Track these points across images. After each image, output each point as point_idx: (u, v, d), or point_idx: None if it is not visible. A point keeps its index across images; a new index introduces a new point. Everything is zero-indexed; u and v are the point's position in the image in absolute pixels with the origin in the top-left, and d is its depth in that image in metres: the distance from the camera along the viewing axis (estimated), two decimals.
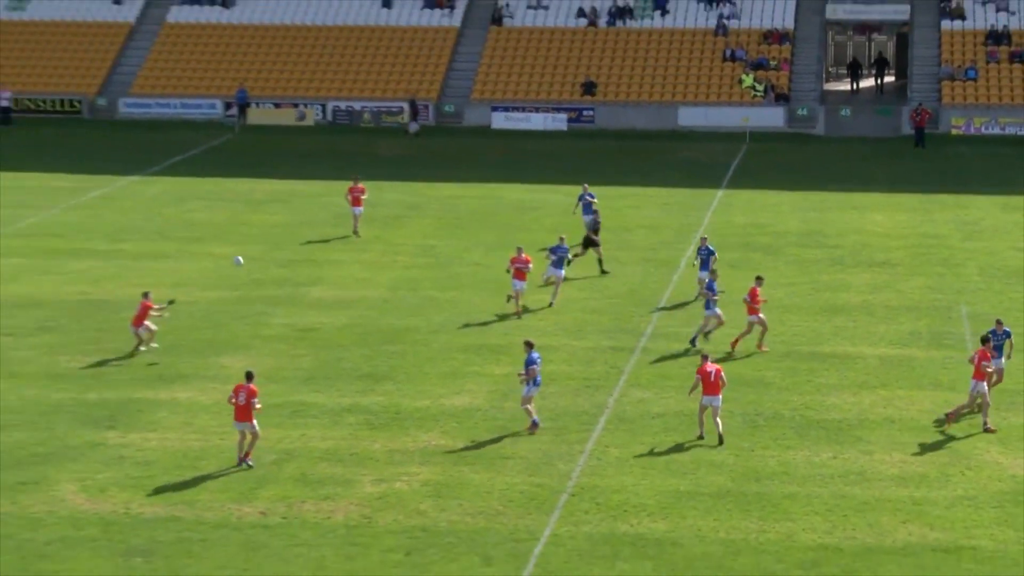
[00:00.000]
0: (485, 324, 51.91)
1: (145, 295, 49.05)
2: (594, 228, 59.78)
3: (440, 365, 47.68)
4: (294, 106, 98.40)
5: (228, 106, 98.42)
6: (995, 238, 66.07)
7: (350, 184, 66.11)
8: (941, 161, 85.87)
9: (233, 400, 39.14)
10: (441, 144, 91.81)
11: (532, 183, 78.63)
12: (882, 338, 50.89)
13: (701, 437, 41.16)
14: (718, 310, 49.71)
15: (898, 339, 50.73)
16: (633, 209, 71.56)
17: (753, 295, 49.25)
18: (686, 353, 48.40)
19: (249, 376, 39.48)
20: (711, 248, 54.90)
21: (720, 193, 76.12)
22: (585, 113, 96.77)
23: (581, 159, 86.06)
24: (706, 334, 49.79)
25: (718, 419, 41.03)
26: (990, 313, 53.48)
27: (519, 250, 53.44)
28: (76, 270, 59.92)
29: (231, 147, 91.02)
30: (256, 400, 39.01)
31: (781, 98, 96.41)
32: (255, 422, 38.97)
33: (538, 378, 41.49)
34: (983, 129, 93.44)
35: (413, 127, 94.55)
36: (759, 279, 50.45)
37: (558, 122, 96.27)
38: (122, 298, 55.40)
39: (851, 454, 40.36)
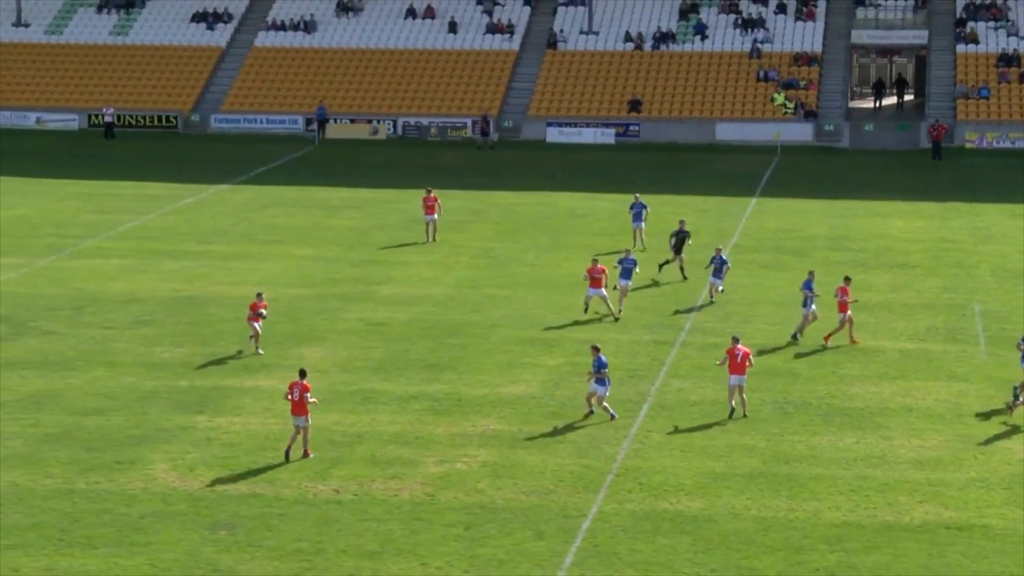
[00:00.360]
0: (540, 320, 51.60)
1: (259, 296, 48.10)
2: (680, 237, 57.78)
3: (498, 356, 47.43)
4: (368, 122, 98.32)
5: (309, 122, 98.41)
6: (1005, 242, 65.41)
7: (423, 195, 65.61)
8: (956, 172, 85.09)
9: (289, 396, 38.40)
10: (500, 156, 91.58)
11: (582, 191, 78.30)
12: (901, 333, 50.37)
13: (732, 412, 41.24)
14: (814, 307, 48.96)
15: (916, 334, 50.21)
16: (674, 215, 70.80)
17: (843, 293, 48.56)
18: (789, 345, 48.66)
19: (302, 373, 38.79)
20: (724, 258, 53.93)
21: (754, 201, 75.61)
22: (631, 128, 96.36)
23: (627, 170, 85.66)
24: (802, 331, 49.15)
25: (744, 396, 41.15)
26: (1001, 311, 53.02)
27: (594, 260, 52.35)
28: (170, 269, 59.95)
29: (311, 159, 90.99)
30: (309, 394, 38.27)
31: (810, 115, 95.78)
32: (309, 416, 38.27)
33: (607, 379, 41.08)
34: (995, 143, 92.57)
35: (492, 137, 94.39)
36: (847, 279, 49.92)
37: (607, 136, 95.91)
38: (212, 295, 55.43)
39: (872, 439, 39.92)
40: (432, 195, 65.07)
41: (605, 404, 41.06)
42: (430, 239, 64.53)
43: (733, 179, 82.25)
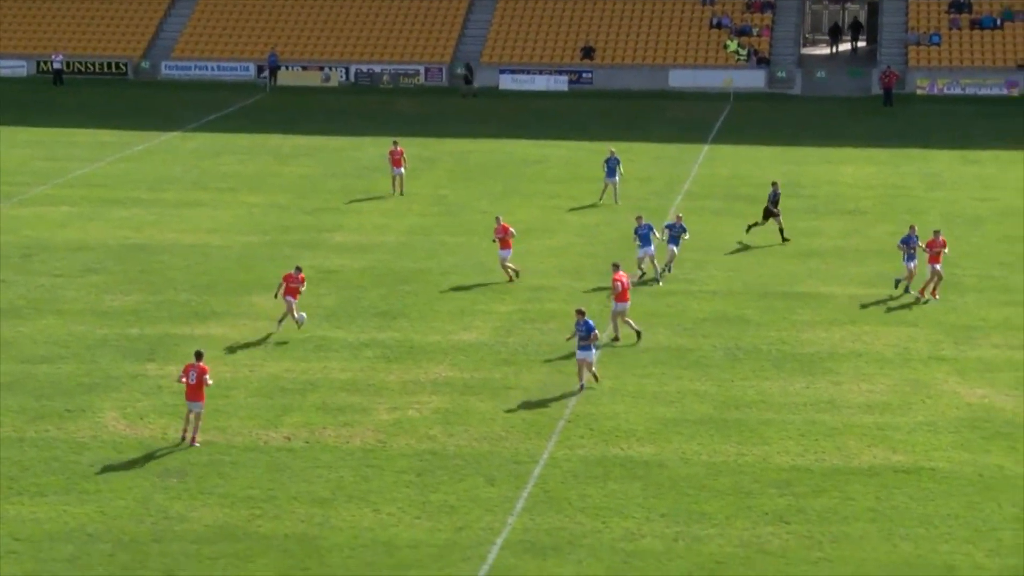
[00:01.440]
0: (492, 267, 51.58)
1: (297, 269, 44.77)
2: (774, 200, 55.39)
3: (450, 304, 47.43)
4: (320, 69, 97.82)
5: (260, 69, 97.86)
6: (955, 188, 65.69)
7: (390, 147, 64.64)
8: (907, 119, 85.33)
9: (183, 379, 35.64)
10: (453, 103, 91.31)
11: (536, 139, 78.19)
12: (852, 279, 50.59)
13: (616, 339, 42.62)
14: (914, 263, 48.14)
15: (867, 280, 50.43)
16: (627, 162, 70.96)
17: (932, 245, 47.96)
18: (917, 302, 47.67)
19: (199, 355, 35.99)
20: (684, 226, 50.96)
21: (706, 148, 75.67)
22: (584, 75, 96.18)
23: (580, 117, 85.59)
24: (909, 285, 48.39)
25: (628, 319, 43.01)
26: (950, 256, 53.19)
27: (497, 219, 50.63)
28: (120, 217, 59.63)
29: (262, 106, 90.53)
30: (208, 376, 35.68)
31: (762, 62, 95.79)
32: (203, 403, 35.74)
33: (595, 344, 39.58)
34: (945, 89, 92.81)
35: (470, 86, 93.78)
36: (936, 232, 48.80)
37: (560, 83, 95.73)
38: (162, 243, 55.19)
39: (822, 384, 40.14)
40: (399, 148, 64.06)
41: (594, 370, 39.86)
42: (397, 192, 63.58)
43: (686, 126, 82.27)
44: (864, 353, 42.71)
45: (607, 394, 39.25)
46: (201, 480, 33.69)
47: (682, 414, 37.90)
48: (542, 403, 38.66)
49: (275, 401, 38.81)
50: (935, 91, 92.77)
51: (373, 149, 73.89)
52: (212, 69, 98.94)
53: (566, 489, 33.32)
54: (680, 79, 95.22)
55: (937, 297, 47.71)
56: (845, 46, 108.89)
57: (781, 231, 55.42)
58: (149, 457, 34.97)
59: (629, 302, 42.89)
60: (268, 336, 43.92)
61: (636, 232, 50.15)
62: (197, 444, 35.51)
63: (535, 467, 34.56)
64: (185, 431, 35.93)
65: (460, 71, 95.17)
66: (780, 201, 55.63)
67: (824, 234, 56.94)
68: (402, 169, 63.60)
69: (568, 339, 40.39)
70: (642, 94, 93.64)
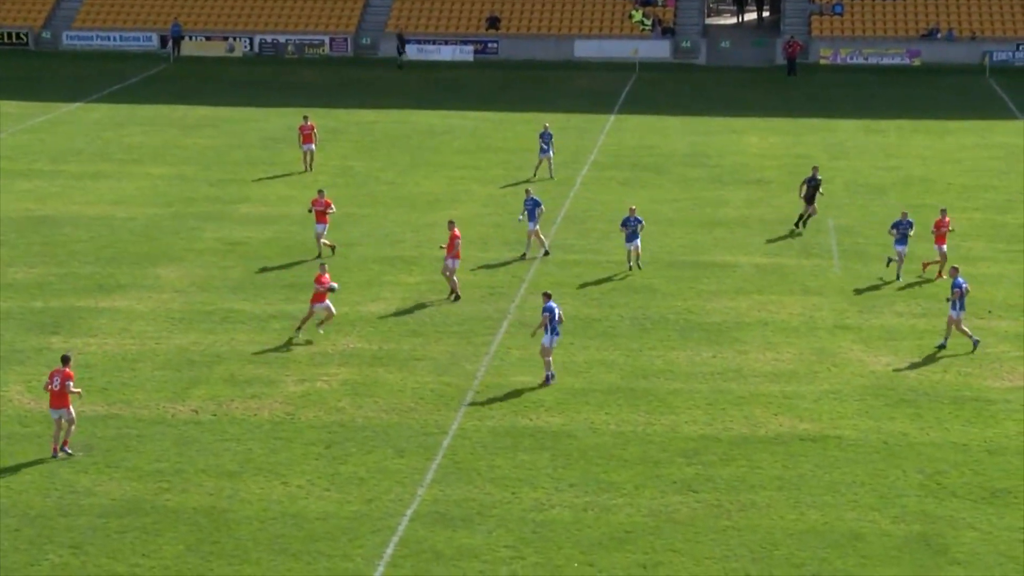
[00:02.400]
0: (399, 238, 51.44)
1: (322, 268, 42.20)
2: (814, 185, 52.74)
3: (357, 275, 47.25)
4: (224, 39, 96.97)
5: (163, 39, 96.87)
6: (858, 158, 66.20)
7: (300, 123, 63.00)
8: (810, 88, 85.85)
9: (48, 386, 33.09)
10: (358, 73, 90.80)
11: (441, 109, 77.95)
12: (757, 249, 50.89)
13: (456, 297, 44.34)
14: (904, 248, 46.61)
15: (771, 250, 50.75)
16: (533, 133, 71.09)
17: (939, 225, 47.01)
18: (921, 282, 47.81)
19: (65, 360, 33.50)
20: (537, 199, 49.47)
21: (612, 118, 75.77)
22: (490, 46, 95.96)
23: (486, 88, 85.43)
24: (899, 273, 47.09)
25: (455, 277, 43.92)
26: (854, 225, 53.69)
27: (320, 192, 49.61)
28: (22, 189, 58.86)
29: (166, 77, 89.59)
30: (72, 383, 33.07)
31: (667, 31, 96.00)
32: (72, 408, 33.09)
33: (558, 329, 38.01)
34: (848, 59, 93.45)
35: (404, 57, 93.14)
36: (943, 211, 47.87)
37: (465, 54, 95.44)
38: (66, 215, 54.57)
39: (729, 353, 40.37)
40: (309, 123, 62.52)
41: (549, 359, 37.98)
42: (307, 168, 62.11)
43: (592, 96, 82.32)
44: (770, 322, 42.99)
45: (515, 364, 39.27)
46: (108, 454, 33.38)
47: (590, 384, 37.99)
48: (451, 374, 38.62)
49: (182, 374, 38.52)
50: (838, 61, 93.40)
51: (278, 120, 73.43)
52: (114, 39, 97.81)
53: (475, 460, 33.32)
54: (585, 49, 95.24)
55: (944, 277, 46.26)
56: (751, 16, 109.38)
57: (803, 218, 52.89)
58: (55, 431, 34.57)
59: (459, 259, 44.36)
60: (174, 308, 43.60)
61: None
62: (68, 451, 33.07)
63: (444, 438, 34.54)
64: (55, 447, 33.12)
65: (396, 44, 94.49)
66: (821, 187, 53.11)
67: (729, 204, 57.23)
68: (312, 145, 62.16)
69: (534, 333, 38.68)
70: (548, 64, 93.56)
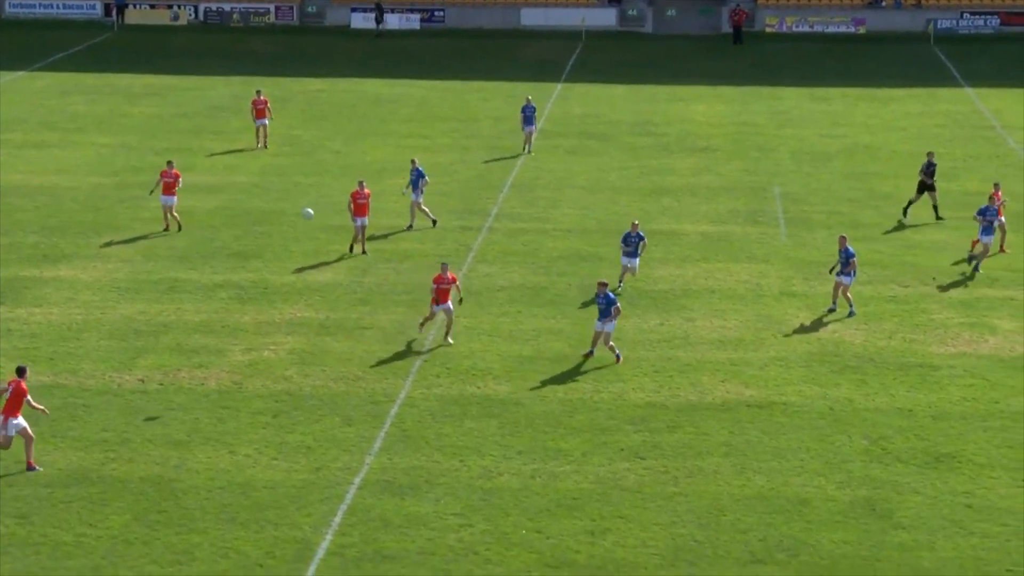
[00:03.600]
0: (346, 207, 51.23)
1: (443, 266, 39.05)
2: (929, 172, 50.50)
3: (305, 244, 47.10)
4: (168, 7, 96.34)
5: (107, 7, 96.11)
6: (804, 125, 66.41)
7: (253, 97, 61.89)
8: (756, 56, 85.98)
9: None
10: (305, 42, 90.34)
11: (389, 78, 77.69)
12: (704, 216, 51.00)
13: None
14: (990, 238, 44.65)
15: (718, 217, 50.87)
16: (482, 102, 71.04)
17: (993, 199, 45.25)
18: (971, 276, 44.45)
19: (20, 371, 31.25)
20: (421, 170, 48.72)
21: (559, 87, 75.71)
22: (436, 14, 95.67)
23: (433, 56, 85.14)
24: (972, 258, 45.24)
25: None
26: (800, 193, 53.88)
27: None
28: None
29: (110, 45, 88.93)
30: (29, 398, 30.89)
31: (614, 0, 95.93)
32: (25, 423, 30.78)
33: (615, 317, 37.14)
34: (794, 27, 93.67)
35: (382, 26, 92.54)
36: (996, 185, 46.66)
37: (412, 22, 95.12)
38: (10, 184, 54.15)
39: (676, 321, 40.47)
40: (262, 97, 61.07)
41: (612, 343, 37.40)
42: (260, 145, 60.58)
43: (539, 65, 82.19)
44: (717, 290, 43.11)
45: (463, 333, 39.25)
46: (53, 424, 33.19)
47: (538, 352, 38.02)
48: (398, 343, 38.57)
49: (128, 343, 38.32)
50: (784, 29, 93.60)
51: (224, 88, 73.08)
52: (58, 7, 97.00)
53: (423, 428, 33.31)
54: (532, 18, 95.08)
55: (1007, 251, 46.20)
56: None
57: (935, 208, 50.60)
58: (0, 401, 34.32)
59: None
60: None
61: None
62: (37, 468, 30.87)
63: (392, 406, 34.51)
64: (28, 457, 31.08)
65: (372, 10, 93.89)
66: (936, 173, 50.78)
67: (676, 172, 57.31)
68: (266, 120, 60.58)
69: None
70: (495, 32, 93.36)
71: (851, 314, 40.68)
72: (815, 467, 31.42)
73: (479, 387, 35.72)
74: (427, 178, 49.18)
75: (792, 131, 65.13)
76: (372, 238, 47.29)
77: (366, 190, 45.75)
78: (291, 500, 29.77)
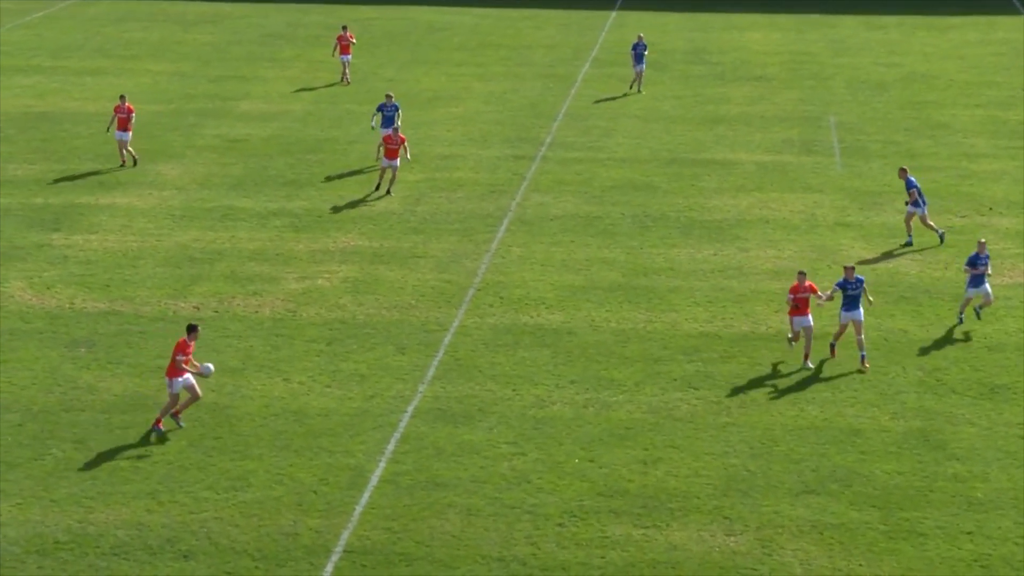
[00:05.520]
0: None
1: (801, 275, 33.11)
2: None
3: (358, 173, 47.07)
4: None
5: None
6: (860, 54, 65.81)
7: (338, 33, 60.73)
8: None
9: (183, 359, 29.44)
10: None
11: (441, 5, 77.37)
12: (758, 146, 50.69)
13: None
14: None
15: (772, 147, 50.54)
16: (534, 29, 70.69)
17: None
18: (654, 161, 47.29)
19: (190, 329, 29.91)
20: (397, 105, 47.96)
21: (613, 15, 75.24)
22: None
23: None
24: None
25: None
26: (855, 122, 53.43)
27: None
28: (22, 85, 58.56)
29: None
30: (181, 357, 29.34)
31: None
32: (191, 378, 29.49)
33: (857, 303, 32.88)
34: None
35: None
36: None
37: None
38: (66, 111, 54.33)
39: (730, 251, 40.29)
40: (348, 33, 60.14)
41: (862, 336, 32.79)
42: (344, 80, 59.63)
43: None
44: (771, 220, 42.88)
45: (516, 262, 39.21)
46: (110, 350, 33.39)
47: (591, 282, 37.95)
48: (452, 272, 38.57)
49: (183, 271, 38.46)
50: None
51: (277, 16, 72.97)
52: None
53: (476, 357, 33.33)
54: None
55: None
56: None
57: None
58: (57, 328, 34.59)
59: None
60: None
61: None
62: (181, 423, 29.79)
63: (445, 335, 34.53)
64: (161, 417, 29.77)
65: None
66: None
67: (731, 101, 56.93)
68: (350, 56, 59.84)
69: (823, 301, 33.13)
70: None
71: (941, 238, 40.73)
72: (869, 398, 31.28)
73: (532, 316, 35.70)
74: (400, 112, 47.89)
75: (848, 60, 64.55)
76: (423, 166, 47.23)
77: (401, 136, 44.74)
78: (345, 428, 29.87)
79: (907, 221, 40.79)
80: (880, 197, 44.78)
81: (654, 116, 54.25)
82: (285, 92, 57.92)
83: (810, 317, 32.87)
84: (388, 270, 38.67)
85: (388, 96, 48.35)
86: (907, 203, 40.76)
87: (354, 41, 60.44)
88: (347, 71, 59.97)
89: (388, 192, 44.55)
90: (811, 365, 32.78)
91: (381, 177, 44.92)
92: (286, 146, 50.07)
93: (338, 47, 59.95)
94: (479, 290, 37.34)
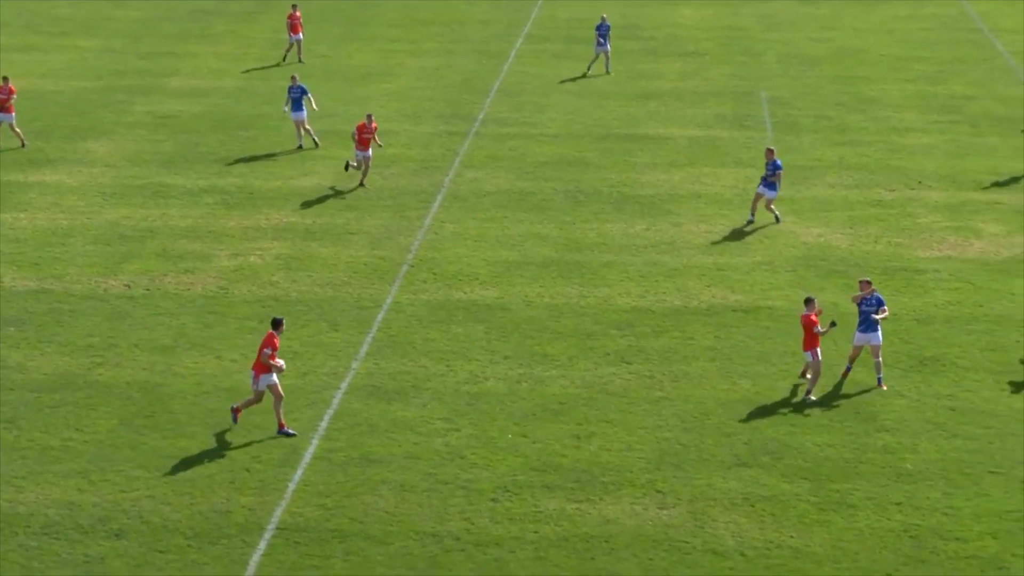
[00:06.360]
0: (332, 111, 50.95)
1: (809, 302, 30.47)
2: None
3: (290, 149, 46.86)
4: None
5: None
6: (792, 29, 66.00)
7: (288, 11, 59.78)
8: None
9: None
10: None
11: None
12: (691, 121, 50.80)
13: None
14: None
15: (705, 122, 50.66)
16: (467, 5, 70.50)
17: None
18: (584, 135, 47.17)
19: (276, 323, 28.94)
20: (304, 87, 46.60)
21: None
22: None
23: None
24: None
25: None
26: (787, 97, 53.64)
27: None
28: None
29: None
30: (268, 351, 28.42)
31: None
32: (275, 376, 28.58)
33: (871, 320, 30.37)
34: None
35: None
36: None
37: None
38: None
39: (662, 226, 40.40)
40: (297, 12, 59.03)
41: (880, 359, 30.77)
42: (296, 59, 58.39)
43: None
44: (703, 194, 43.02)
45: (449, 238, 39.18)
46: (40, 329, 33.16)
47: (524, 257, 37.97)
48: (385, 248, 38.49)
49: (114, 249, 38.20)
50: None
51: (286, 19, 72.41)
52: None
53: (410, 333, 33.30)
54: None
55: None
56: None
57: None
58: None
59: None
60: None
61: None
62: (290, 432, 28.63)
63: (379, 312, 34.48)
64: (239, 407, 29.15)
65: None
66: None
67: (663, 76, 57.01)
68: (301, 35, 58.64)
69: (824, 330, 30.29)
70: None
71: (777, 220, 40.41)
72: (800, 370, 31.43)
73: (465, 292, 35.69)
74: (310, 95, 46.94)
75: (780, 35, 64.75)
76: (351, 143, 47.09)
77: (373, 124, 43.11)
78: None
79: (755, 202, 40.55)
80: (811, 172, 45.01)
81: (587, 92, 54.27)
82: (216, 68, 57.57)
83: (810, 353, 30.04)
84: (321, 247, 38.55)
85: (292, 78, 47.14)
86: (764, 181, 40.17)
87: (301, 20, 59.03)
88: (299, 50, 58.62)
89: (361, 184, 43.06)
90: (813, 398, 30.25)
91: (359, 169, 43.23)
92: (217, 122, 49.79)
93: (289, 26, 58.60)
94: (412, 266, 37.29)
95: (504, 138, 48.24)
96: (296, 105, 46.35)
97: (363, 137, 42.81)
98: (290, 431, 28.57)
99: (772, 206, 40.56)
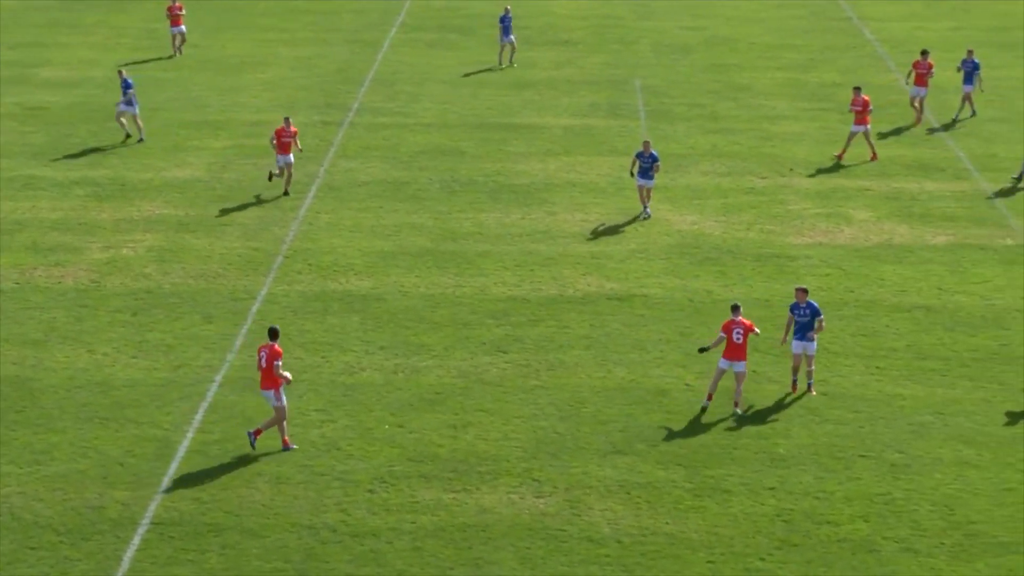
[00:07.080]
0: (205, 102, 50.53)
1: (735, 308, 29.52)
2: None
3: (163, 140, 46.41)
4: None
5: None
6: (665, 18, 66.37)
7: (168, 3, 58.74)
8: None
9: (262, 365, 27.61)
10: None
11: None
12: (565, 110, 50.93)
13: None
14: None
15: (579, 110, 50.82)
16: None
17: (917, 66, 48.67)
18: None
19: (272, 333, 28.04)
20: (129, 80, 45.47)
21: None
22: None
23: None
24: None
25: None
26: (660, 85, 53.92)
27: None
28: None
29: None
30: (279, 363, 27.52)
31: None
32: (281, 392, 27.60)
33: (808, 334, 29.78)
34: None
35: None
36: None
37: None
38: None
39: (538, 215, 40.48)
40: (178, 3, 57.77)
41: (812, 368, 30.08)
42: (177, 52, 57.54)
43: None
44: (578, 183, 43.15)
45: (324, 228, 38.99)
46: None
47: (400, 247, 37.88)
48: (259, 239, 38.22)
49: None
50: None
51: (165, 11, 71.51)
52: None
53: (285, 325, 33.05)
54: None
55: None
56: None
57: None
58: None
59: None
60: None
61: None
62: (293, 445, 27.78)
63: (253, 303, 34.24)
64: (281, 434, 27.94)
65: None
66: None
67: (537, 65, 57.11)
68: (182, 27, 57.50)
69: (783, 341, 30.60)
70: None
71: (647, 216, 40.47)
72: (675, 358, 31.67)
73: (341, 283, 35.54)
74: (134, 89, 46.05)
75: (653, 23, 65.09)
76: (230, 132, 46.70)
77: (292, 128, 41.63)
78: (151, 399, 29.49)
79: (641, 194, 40.39)
80: (684, 160, 45.31)
81: (461, 81, 54.23)
82: (87, 58, 56.85)
83: (737, 363, 29.22)
84: (194, 238, 38.21)
85: (120, 72, 46.42)
86: (642, 173, 40.00)
87: (183, 12, 57.87)
88: (180, 43, 57.39)
89: (286, 192, 41.48)
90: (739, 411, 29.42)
91: (283, 176, 41.65)
92: (88, 113, 49.17)
93: (170, 18, 57.42)
94: (287, 257, 37.06)
95: (379, 128, 48.09)
96: (125, 98, 45.50)
97: (283, 142, 41.35)
98: (293, 446, 27.72)
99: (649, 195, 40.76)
